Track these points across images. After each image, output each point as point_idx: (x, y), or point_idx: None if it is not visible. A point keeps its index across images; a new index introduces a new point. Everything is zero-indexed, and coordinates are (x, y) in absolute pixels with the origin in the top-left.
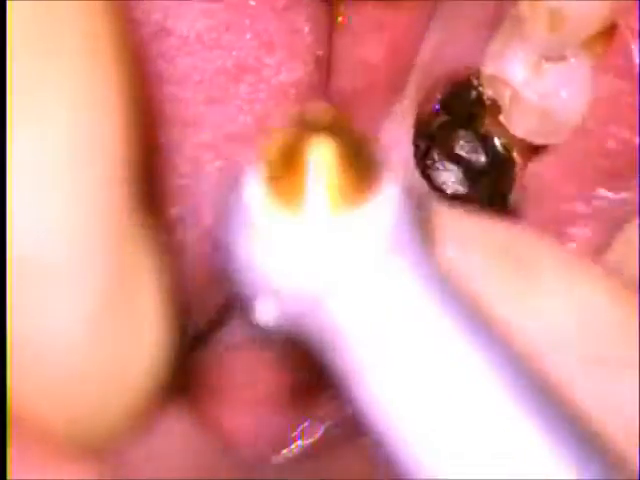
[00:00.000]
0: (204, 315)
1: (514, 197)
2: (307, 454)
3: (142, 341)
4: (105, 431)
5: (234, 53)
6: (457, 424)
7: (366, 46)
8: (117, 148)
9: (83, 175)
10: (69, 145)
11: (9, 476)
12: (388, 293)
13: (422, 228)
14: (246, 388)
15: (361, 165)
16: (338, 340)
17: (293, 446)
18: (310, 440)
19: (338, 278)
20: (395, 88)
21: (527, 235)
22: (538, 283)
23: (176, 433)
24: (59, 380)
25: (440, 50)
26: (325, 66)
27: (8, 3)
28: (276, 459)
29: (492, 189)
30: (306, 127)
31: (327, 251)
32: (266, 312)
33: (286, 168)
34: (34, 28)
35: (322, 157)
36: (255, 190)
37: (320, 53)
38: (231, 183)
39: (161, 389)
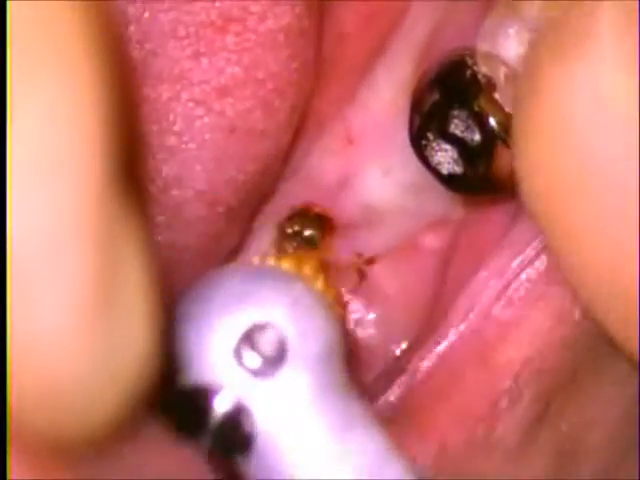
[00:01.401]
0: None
1: (510, 176)
2: None
3: (132, 335)
4: (95, 430)
5: (217, 4)
6: None
7: (340, 16)
8: (98, 133)
9: (65, 164)
10: (48, 131)
11: (9, 476)
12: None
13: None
14: None
15: None
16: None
17: None
18: None
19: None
20: (372, 57)
21: None
22: None
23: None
24: (47, 379)
25: (437, 30)
26: (317, 8)
27: (8, 3)
28: None
29: (487, 168)
30: None
31: None
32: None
33: None
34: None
35: None
36: None
37: None
38: None
39: (152, 384)
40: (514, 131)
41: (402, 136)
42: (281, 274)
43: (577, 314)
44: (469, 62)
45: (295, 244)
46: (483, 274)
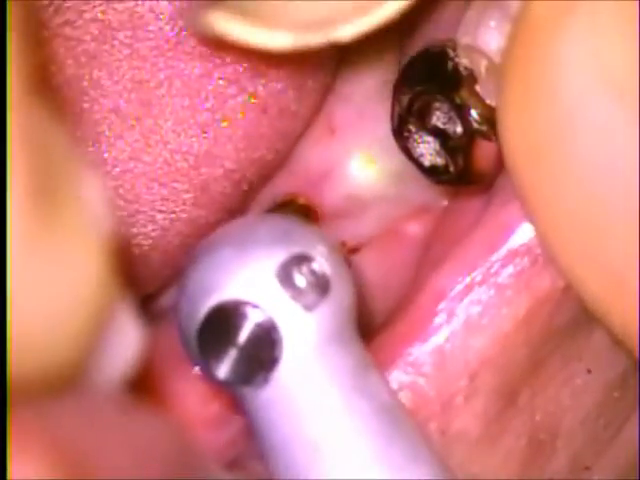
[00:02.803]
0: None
1: (491, 168)
2: None
3: (77, 266)
4: (53, 368)
5: None
6: None
7: None
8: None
9: None
10: None
11: (9, 476)
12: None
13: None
14: None
15: None
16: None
17: None
18: None
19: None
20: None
21: None
22: None
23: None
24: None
25: (419, 20)
26: None
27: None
28: None
29: (466, 160)
30: None
31: None
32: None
33: None
34: None
35: None
36: None
37: None
38: None
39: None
40: (502, 92)
41: (384, 126)
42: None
43: (545, 313)
44: (451, 54)
45: None
46: (449, 265)
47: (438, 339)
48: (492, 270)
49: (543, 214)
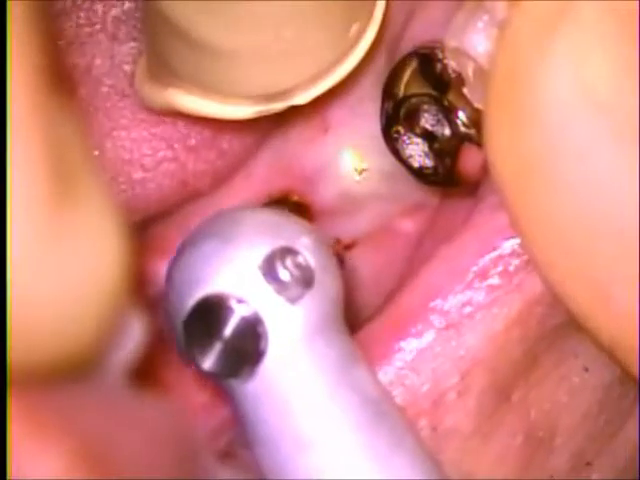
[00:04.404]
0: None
1: (478, 171)
2: None
3: (94, 246)
4: (71, 349)
5: None
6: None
7: None
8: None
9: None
10: None
11: (9, 476)
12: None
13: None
14: None
15: None
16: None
17: None
18: None
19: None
20: None
21: None
22: None
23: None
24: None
25: (410, 22)
26: None
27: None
28: None
29: (454, 163)
30: None
31: None
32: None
33: None
34: None
35: None
36: None
37: None
38: None
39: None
40: (487, 112)
41: (377, 125)
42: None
43: (537, 313)
44: (440, 55)
45: None
46: (441, 263)
47: (429, 336)
48: (483, 269)
49: (529, 231)
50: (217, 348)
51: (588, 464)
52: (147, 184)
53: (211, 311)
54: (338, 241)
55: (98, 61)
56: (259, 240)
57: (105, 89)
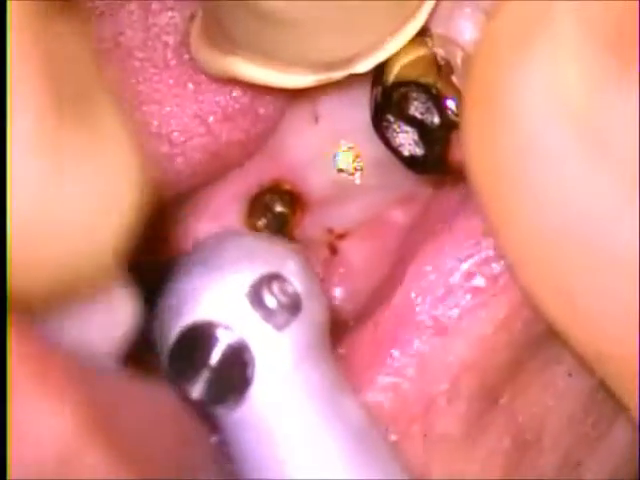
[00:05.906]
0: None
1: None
2: None
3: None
4: (89, 267)
5: None
6: None
7: None
8: None
9: None
10: None
11: (9, 476)
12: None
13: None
14: None
15: None
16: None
17: None
18: None
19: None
20: None
21: None
22: None
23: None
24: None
25: None
26: None
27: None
28: None
29: (443, 150)
30: None
31: None
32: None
33: None
34: None
35: None
36: None
37: None
38: None
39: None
40: (464, 117)
41: (368, 115)
42: (286, 243)
43: (523, 316)
44: (429, 44)
45: (265, 221)
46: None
47: (420, 343)
48: (468, 273)
49: (502, 233)
50: (204, 376)
51: (579, 464)
52: (175, 159)
53: (197, 339)
54: (330, 231)
55: (130, 33)
56: (245, 267)
57: (137, 63)
